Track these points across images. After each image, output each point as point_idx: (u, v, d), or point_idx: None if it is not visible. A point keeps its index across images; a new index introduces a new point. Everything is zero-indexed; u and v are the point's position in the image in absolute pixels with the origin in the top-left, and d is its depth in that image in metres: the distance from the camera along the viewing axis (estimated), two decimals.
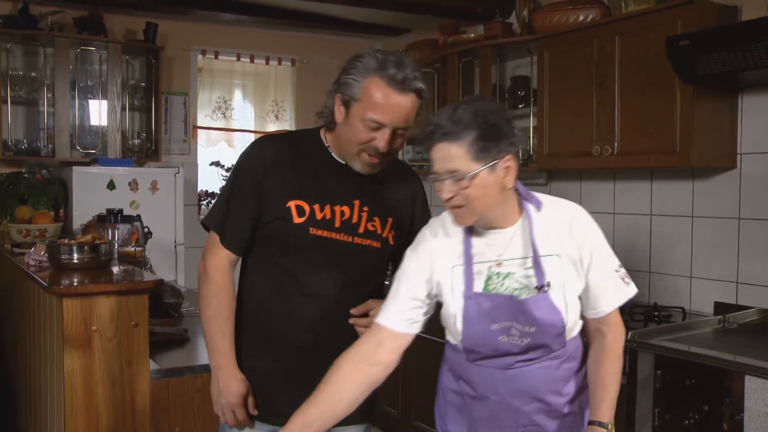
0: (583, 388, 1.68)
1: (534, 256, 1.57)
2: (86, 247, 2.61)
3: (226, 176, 4.45)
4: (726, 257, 3.09)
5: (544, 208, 1.61)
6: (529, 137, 3.74)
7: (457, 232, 1.62)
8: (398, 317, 1.62)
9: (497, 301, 1.57)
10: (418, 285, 1.62)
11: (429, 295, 1.64)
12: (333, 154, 1.79)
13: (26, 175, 4.16)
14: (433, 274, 1.62)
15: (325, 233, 1.74)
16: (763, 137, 2.95)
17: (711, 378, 2.45)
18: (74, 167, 4.11)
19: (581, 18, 3.36)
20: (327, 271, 1.76)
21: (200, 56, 4.88)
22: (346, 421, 1.72)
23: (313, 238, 1.73)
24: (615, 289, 1.62)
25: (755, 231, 2.98)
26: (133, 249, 3.17)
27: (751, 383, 2.32)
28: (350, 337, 1.73)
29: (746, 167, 3.01)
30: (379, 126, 1.66)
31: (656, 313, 3.02)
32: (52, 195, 4.13)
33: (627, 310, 3.05)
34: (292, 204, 1.73)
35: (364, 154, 1.71)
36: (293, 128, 5.11)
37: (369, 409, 1.87)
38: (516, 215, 1.60)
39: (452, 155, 1.49)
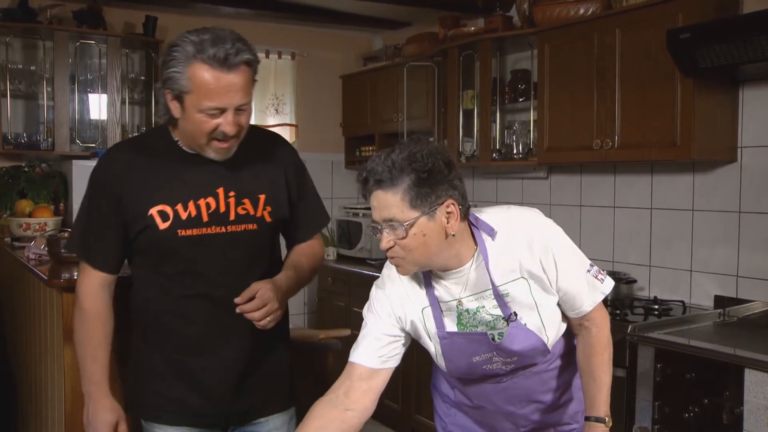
0: (573, 372, 1.70)
1: (493, 289, 1.52)
2: None
3: None
4: (726, 251, 3.09)
5: (499, 235, 1.52)
6: (529, 131, 3.74)
7: (419, 275, 1.56)
8: (371, 354, 1.57)
9: (472, 338, 1.54)
10: (389, 324, 1.57)
11: (403, 330, 1.59)
12: (183, 147, 1.71)
13: (26, 169, 4.16)
14: (406, 314, 1.57)
15: (194, 231, 1.68)
16: (763, 130, 2.94)
17: (711, 371, 2.45)
18: (74, 161, 4.10)
19: (582, 11, 3.35)
20: (209, 267, 1.71)
21: None
22: (273, 410, 1.82)
23: (184, 240, 1.67)
24: (590, 289, 1.60)
25: (756, 224, 2.98)
26: None
27: (750, 376, 2.32)
28: (253, 330, 1.70)
29: (747, 160, 3.00)
30: (219, 111, 1.57)
31: (656, 307, 3.02)
32: (51, 189, 4.12)
33: (627, 303, 3.05)
34: (153, 211, 1.67)
35: (213, 142, 1.63)
36: (293, 122, 5.10)
37: (291, 393, 1.89)
38: (470, 250, 1.51)
39: (388, 203, 1.40)
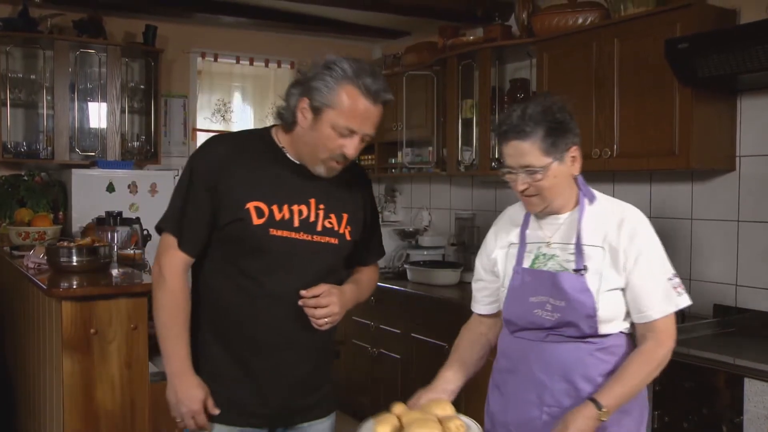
0: None
1: (577, 242, 1.69)
2: (85, 250, 2.62)
3: None
4: (725, 259, 3.09)
5: (598, 203, 1.73)
6: None
7: (519, 217, 1.81)
8: (486, 304, 1.88)
9: (539, 276, 1.72)
10: (480, 270, 1.88)
11: (492, 272, 1.85)
12: (288, 155, 1.79)
13: (25, 178, 4.17)
14: (493, 251, 1.84)
15: (285, 233, 1.74)
16: (762, 139, 2.95)
17: (710, 381, 2.45)
18: (73, 170, 4.12)
19: (580, 21, 3.37)
20: (288, 270, 1.76)
21: (199, 59, 4.89)
22: (318, 415, 1.89)
23: (273, 239, 1.73)
24: (664, 296, 1.64)
25: (755, 233, 2.99)
26: (132, 252, 3.17)
27: (750, 386, 2.32)
28: (314, 334, 1.78)
29: (745, 169, 3.01)
30: (350, 133, 1.68)
31: None
32: (51, 197, 4.13)
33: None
34: (250, 205, 1.72)
35: (331, 161, 1.73)
36: None
37: (334, 399, 1.95)
38: (572, 204, 1.74)
39: (524, 151, 1.63)
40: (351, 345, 4.32)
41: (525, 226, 1.79)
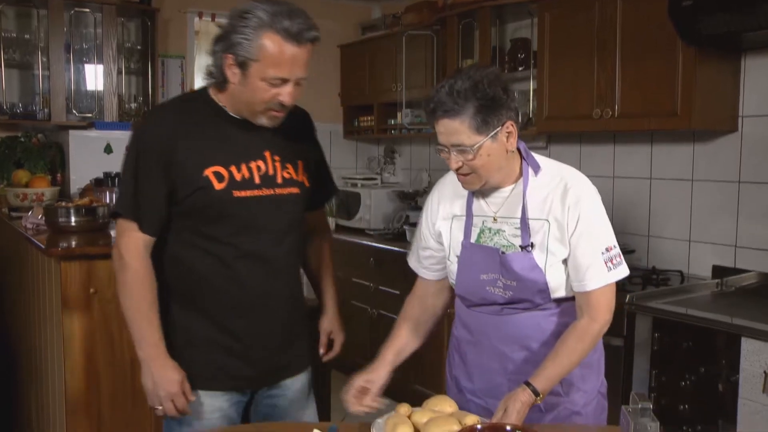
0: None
1: (522, 217, 1.65)
2: (84, 210, 2.60)
3: None
4: (725, 221, 3.08)
5: (543, 172, 1.67)
6: (528, 100, 3.71)
7: (460, 190, 1.72)
8: (431, 270, 1.83)
9: (487, 252, 1.68)
10: (428, 237, 1.80)
11: (438, 242, 1.78)
12: (230, 112, 1.74)
13: (22, 139, 4.13)
14: (436, 222, 1.78)
15: (248, 193, 1.72)
16: (765, 100, 2.92)
17: (708, 340, 2.46)
18: (71, 131, 4.07)
19: None
20: (258, 228, 1.74)
21: (197, 19, 4.81)
22: (297, 370, 1.90)
23: (238, 201, 1.70)
24: (599, 269, 1.62)
25: (755, 194, 2.97)
26: None
27: (747, 345, 2.33)
28: (291, 290, 1.84)
29: (747, 130, 2.98)
30: (282, 82, 1.63)
31: (654, 277, 3.02)
32: (49, 159, 4.10)
33: None
34: (209, 172, 1.68)
35: (269, 111, 1.68)
36: None
37: (310, 353, 1.96)
38: (515, 175, 1.68)
39: (455, 130, 1.55)
40: (350, 306, 4.33)
41: (470, 198, 1.72)
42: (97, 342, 2.27)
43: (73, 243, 2.39)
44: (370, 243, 4.31)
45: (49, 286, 2.47)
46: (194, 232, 1.72)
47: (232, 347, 1.77)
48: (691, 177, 3.21)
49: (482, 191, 1.69)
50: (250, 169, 1.73)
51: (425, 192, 4.65)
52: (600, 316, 1.63)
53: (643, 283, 2.97)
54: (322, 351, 2.00)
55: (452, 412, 1.57)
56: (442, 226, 1.76)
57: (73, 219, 2.56)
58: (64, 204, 2.74)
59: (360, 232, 4.60)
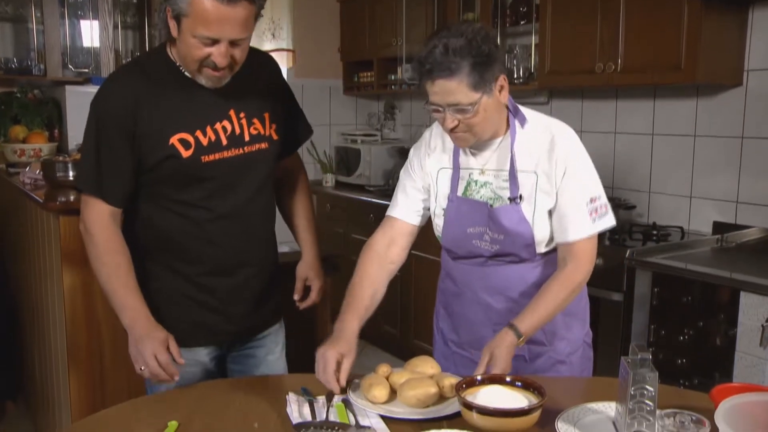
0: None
1: (511, 169, 1.64)
2: None
3: None
4: (727, 177, 3.05)
5: (530, 125, 1.66)
6: (530, 55, 3.65)
7: (449, 140, 1.70)
8: (409, 210, 1.76)
9: (474, 206, 1.67)
10: (419, 177, 1.76)
11: (425, 188, 1.76)
12: (185, 72, 1.66)
13: (18, 95, 4.08)
14: (426, 171, 1.75)
15: (216, 156, 1.67)
16: None
17: (707, 295, 2.46)
18: (67, 87, 4.03)
19: None
20: (230, 189, 1.71)
21: None
22: (272, 322, 1.92)
23: (207, 166, 1.67)
24: (582, 218, 1.61)
25: (759, 150, 2.94)
26: None
27: (746, 299, 2.33)
28: (266, 248, 1.85)
29: (753, 84, 2.94)
30: (212, 41, 1.54)
31: (655, 233, 3.01)
32: (45, 115, 4.06)
33: (626, 229, 3.04)
34: (174, 140, 1.63)
35: (205, 69, 1.60)
36: (290, 47, 4.98)
37: (281, 306, 1.96)
38: (503, 128, 1.66)
39: (452, 89, 1.52)
40: (349, 262, 4.33)
41: (456, 151, 1.71)
42: (98, 295, 2.27)
43: (72, 197, 2.37)
44: (370, 199, 4.30)
45: (49, 241, 2.47)
46: (166, 197, 1.70)
47: (211, 305, 1.78)
48: (693, 132, 3.17)
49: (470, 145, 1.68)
50: (216, 132, 1.68)
51: None
52: (584, 265, 1.62)
53: (643, 238, 2.96)
54: (296, 298, 1.98)
55: (433, 373, 1.55)
56: (429, 178, 1.75)
57: (71, 173, 2.53)
58: (62, 158, 2.72)
59: (360, 188, 4.59)
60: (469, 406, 1.33)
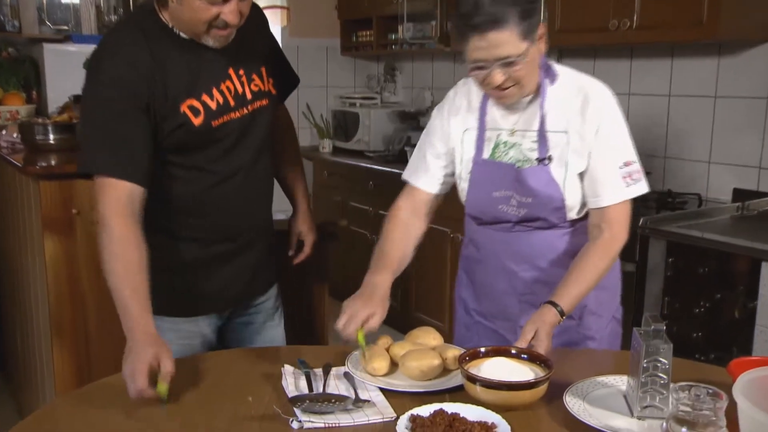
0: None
1: (540, 129, 1.63)
2: (63, 127, 2.56)
3: None
4: (749, 140, 3.04)
5: (561, 81, 1.64)
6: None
7: (476, 98, 1.70)
8: (429, 178, 1.77)
9: (500, 168, 1.66)
10: (441, 142, 1.75)
11: (447, 153, 1.75)
12: (180, 33, 1.64)
13: None
14: (450, 133, 1.73)
15: (225, 118, 1.69)
16: None
17: (725, 265, 2.47)
18: (45, 44, 3.99)
19: None
20: (235, 149, 1.73)
21: None
22: (266, 287, 1.94)
23: (216, 130, 1.68)
24: (615, 183, 1.60)
25: None
26: None
27: (767, 270, 2.33)
28: (266, 211, 1.89)
29: None
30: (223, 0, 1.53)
31: (670, 200, 3.01)
32: (22, 75, 4.02)
33: (639, 197, 3.02)
34: (185, 107, 1.62)
35: (213, 30, 1.58)
36: (285, 4, 4.92)
37: (276, 271, 1.99)
38: (534, 84, 1.63)
39: (502, 42, 1.49)
40: (348, 232, 4.35)
41: (483, 110, 1.69)
42: (82, 265, 2.28)
43: (53, 161, 2.36)
44: (369, 165, 4.29)
45: (29, 208, 2.46)
46: (168, 163, 1.69)
47: (213, 271, 1.79)
48: (714, 93, 3.15)
49: (497, 103, 1.67)
50: (222, 93, 1.68)
51: (428, 111, 4.60)
52: (619, 234, 1.62)
53: (657, 206, 2.96)
54: (291, 253, 2.02)
55: (435, 345, 1.56)
56: (454, 140, 1.73)
57: (51, 136, 2.52)
58: (41, 121, 2.70)
59: (358, 154, 4.57)
60: (473, 379, 1.34)
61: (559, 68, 1.66)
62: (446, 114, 1.75)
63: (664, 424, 1.09)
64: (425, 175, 1.76)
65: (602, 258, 1.60)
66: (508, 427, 1.24)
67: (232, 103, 1.69)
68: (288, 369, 1.50)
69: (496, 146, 1.68)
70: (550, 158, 1.62)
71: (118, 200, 1.54)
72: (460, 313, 1.88)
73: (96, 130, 1.58)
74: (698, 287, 2.54)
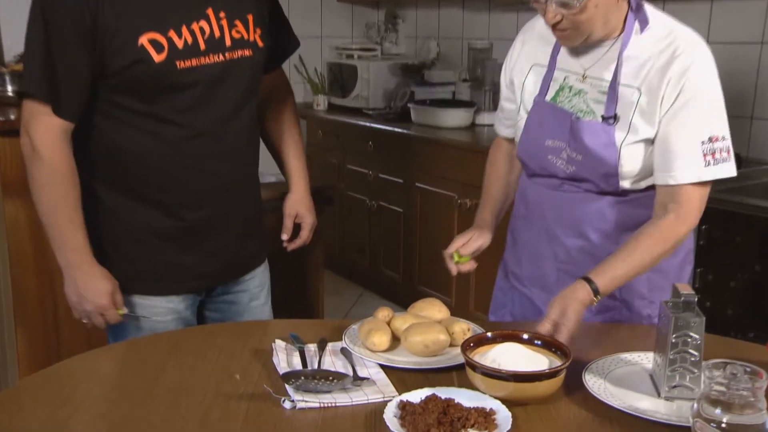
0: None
1: (613, 81, 1.59)
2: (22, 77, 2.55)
3: None
4: None
5: (650, 30, 1.58)
6: None
7: (551, 34, 1.64)
8: (511, 127, 1.83)
9: (560, 115, 1.65)
10: (509, 77, 1.81)
11: (512, 91, 1.80)
12: None
13: None
14: (514, 67, 1.79)
15: (193, 62, 1.66)
16: None
17: (767, 234, 2.47)
18: None
19: None
20: (207, 102, 1.71)
21: None
22: (255, 264, 1.95)
23: (182, 73, 1.65)
24: (691, 161, 1.54)
25: None
26: None
27: None
28: (247, 173, 1.86)
29: None
30: None
31: None
32: None
33: None
34: (144, 40, 1.60)
35: None
36: None
37: (267, 245, 1.99)
38: (618, 29, 1.60)
39: None
40: (346, 197, 4.35)
41: (557, 47, 1.68)
42: None
43: (11, 116, 2.35)
44: (368, 124, 4.28)
45: None
46: (132, 112, 1.68)
47: (186, 242, 1.78)
48: (761, 39, 3.12)
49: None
50: (192, 33, 1.66)
51: (432, 64, 4.59)
52: (689, 217, 1.57)
53: None
54: (285, 237, 2.00)
55: (441, 318, 1.56)
56: (518, 74, 1.76)
57: (9, 87, 2.51)
58: None
59: (357, 111, 4.56)
60: (474, 367, 1.30)
61: (653, 13, 1.60)
62: (523, 39, 1.79)
63: (695, 405, 1.07)
64: (505, 124, 1.87)
65: (659, 242, 1.55)
66: (509, 414, 1.23)
67: (202, 46, 1.67)
68: (279, 344, 1.51)
69: (561, 89, 1.67)
70: (616, 118, 1.58)
71: (52, 132, 1.63)
72: (500, 275, 1.91)
73: (33, 53, 1.62)
74: (735, 258, 2.55)
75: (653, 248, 1.55)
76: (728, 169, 1.58)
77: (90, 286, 1.68)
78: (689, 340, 1.29)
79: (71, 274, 1.69)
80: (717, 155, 1.55)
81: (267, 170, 2.15)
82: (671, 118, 1.54)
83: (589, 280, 1.50)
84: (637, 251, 1.54)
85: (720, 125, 1.57)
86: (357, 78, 4.62)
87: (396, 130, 4.07)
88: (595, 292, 1.49)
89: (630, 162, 1.59)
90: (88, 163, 1.72)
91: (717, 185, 2.63)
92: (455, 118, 3.99)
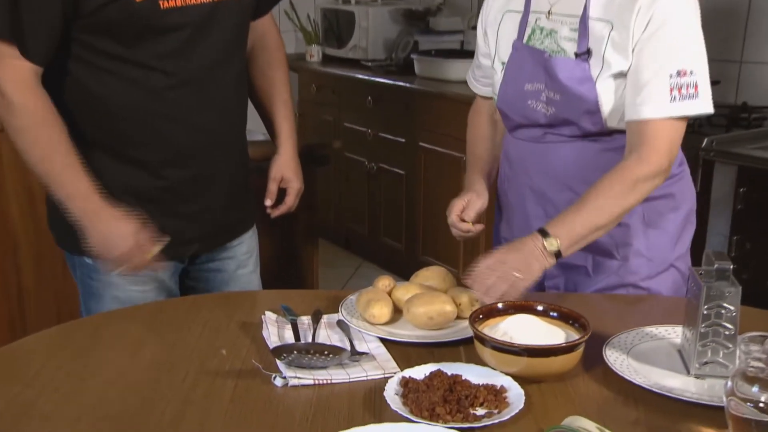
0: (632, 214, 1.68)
1: (583, 16, 1.63)
2: None
3: None
4: None
5: None
6: None
7: None
8: (488, 84, 1.89)
9: (535, 56, 1.71)
10: (483, 31, 1.88)
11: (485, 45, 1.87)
12: None
13: None
14: (488, 17, 1.86)
15: (178, 2, 1.66)
16: None
17: None
18: None
19: None
20: (193, 47, 1.71)
21: None
22: (244, 229, 1.98)
23: (166, 14, 1.65)
24: (656, 93, 1.56)
25: None
26: None
27: None
28: (236, 127, 1.89)
29: None
30: None
31: (745, 116, 3.00)
32: None
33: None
34: None
35: None
36: None
37: (255, 209, 2.01)
38: None
39: None
40: (342, 159, 4.35)
41: None
42: (11, 197, 2.28)
43: None
44: (367, 77, 4.28)
45: None
46: (111, 57, 1.68)
47: (170, 203, 1.79)
48: None
49: None
50: None
51: (438, 10, 4.57)
52: (653, 157, 1.57)
53: (728, 124, 2.96)
54: (268, 203, 1.99)
55: (447, 288, 1.57)
56: (492, 23, 1.83)
57: None
58: None
59: (354, 63, 4.56)
60: (482, 340, 1.31)
61: None
62: None
63: (729, 383, 1.07)
64: (483, 81, 1.93)
65: (620, 183, 1.56)
66: (521, 392, 1.23)
67: None
68: (270, 316, 1.52)
69: (533, 32, 1.73)
70: (589, 52, 1.62)
71: (21, 75, 1.63)
72: (495, 245, 1.91)
73: None
74: None
75: (611, 189, 1.56)
76: (697, 107, 1.57)
77: (110, 233, 1.66)
78: (723, 311, 1.28)
79: (87, 225, 1.67)
80: (683, 90, 1.56)
81: (256, 128, 2.14)
82: (641, 49, 1.58)
83: (543, 233, 1.51)
84: (599, 197, 1.55)
85: (691, 59, 1.57)
86: (354, 26, 4.60)
87: (398, 83, 4.06)
88: (546, 235, 1.50)
89: (609, 97, 1.63)
90: (63, 115, 1.70)
91: (755, 143, 2.68)
92: (463, 70, 3.95)
